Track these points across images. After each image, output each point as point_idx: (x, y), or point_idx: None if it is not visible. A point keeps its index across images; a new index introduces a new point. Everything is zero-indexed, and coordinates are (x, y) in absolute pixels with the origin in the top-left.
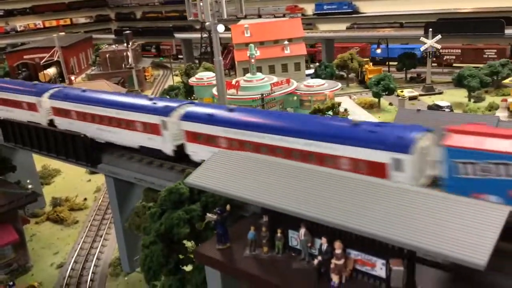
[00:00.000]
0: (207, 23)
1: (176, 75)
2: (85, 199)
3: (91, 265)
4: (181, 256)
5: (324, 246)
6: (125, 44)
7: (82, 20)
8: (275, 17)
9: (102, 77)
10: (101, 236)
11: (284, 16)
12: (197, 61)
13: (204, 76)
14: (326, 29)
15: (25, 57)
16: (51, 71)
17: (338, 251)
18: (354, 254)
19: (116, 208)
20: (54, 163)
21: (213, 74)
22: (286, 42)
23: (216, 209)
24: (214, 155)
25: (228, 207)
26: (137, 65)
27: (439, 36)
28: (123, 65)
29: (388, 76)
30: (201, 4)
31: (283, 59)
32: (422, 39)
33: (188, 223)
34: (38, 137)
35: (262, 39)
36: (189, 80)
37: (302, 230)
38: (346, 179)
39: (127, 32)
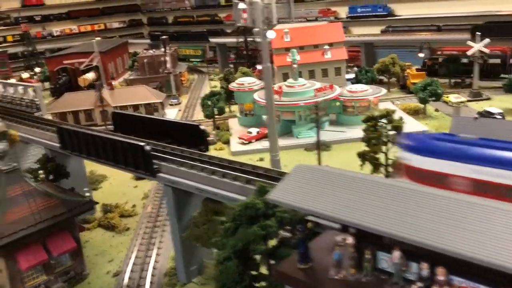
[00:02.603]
0: (256, 29)
1: (212, 79)
2: (134, 205)
3: (147, 274)
4: (254, 273)
5: (425, 272)
6: (162, 49)
7: (116, 25)
8: (307, 20)
9: (140, 82)
10: (153, 244)
11: (316, 19)
12: (231, 65)
13: (245, 82)
14: (360, 32)
15: (64, 62)
16: (90, 76)
17: (441, 277)
18: (457, 281)
19: (174, 217)
20: (101, 168)
21: (253, 80)
22: (326, 47)
23: (298, 226)
24: (294, 170)
25: (309, 224)
26: (174, 70)
27: (487, 40)
28: (161, 70)
29: (435, 81)
30: (251, 8)
31: (323, 64)
32: (469, 43)
33: (264, 239)
34: (95, 145)
35: (302, 43)
36: (229, 86)
37: (397, 253)
38: (449, 200)
39: (164, 37)
